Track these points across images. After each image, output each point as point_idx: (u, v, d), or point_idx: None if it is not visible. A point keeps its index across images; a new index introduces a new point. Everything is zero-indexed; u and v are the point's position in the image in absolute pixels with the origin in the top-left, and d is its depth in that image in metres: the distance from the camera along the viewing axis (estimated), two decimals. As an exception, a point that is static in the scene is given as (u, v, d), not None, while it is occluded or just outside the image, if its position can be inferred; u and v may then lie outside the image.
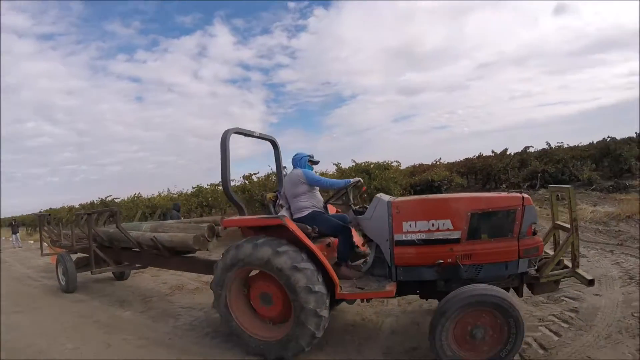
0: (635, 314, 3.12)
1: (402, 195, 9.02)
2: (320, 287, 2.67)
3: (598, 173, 12.46)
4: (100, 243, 5.32)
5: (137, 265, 5.40)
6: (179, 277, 6.13)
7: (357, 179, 3.27)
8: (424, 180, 12.11)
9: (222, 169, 3.06)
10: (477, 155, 15.84)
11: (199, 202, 11.66)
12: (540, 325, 3.15)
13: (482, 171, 14.65)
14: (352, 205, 3.26)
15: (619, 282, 3.84)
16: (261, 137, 3.72)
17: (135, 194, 13.09)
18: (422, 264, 2.73)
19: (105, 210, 5.90)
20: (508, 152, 14.04)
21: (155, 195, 12.40)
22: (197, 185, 12.62)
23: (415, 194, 10.94)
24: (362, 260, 3.28)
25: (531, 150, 14.07)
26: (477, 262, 2.66)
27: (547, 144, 14.04)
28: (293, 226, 2.77)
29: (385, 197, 2.95)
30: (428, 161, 14.94)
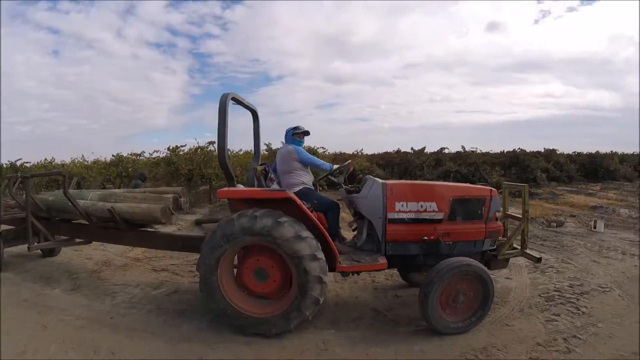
0: (542, 294, 3.80)
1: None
2: (322, 255, 2.74)
3: (506, 179, 13.30)
4: (34, 213, 4.32)
5: (78, 240, 4.52)
6: (103, 251, 5.55)
7: (349, 161, 3.41)
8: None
9: (219, 136, 2.86)
10: (396, 150, 16.92)
11: (119, 172, 10.47)
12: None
13: (400, 165, 15.59)
14: (343, 185, 3.39)
15: (526, 269, 4.66)
16: (247, 106, 3.56)
17: (47, 158, 11.19)
18: (410, 240, 3.03)
19: (52, 173, 4.91)
20: (425, 151, 15.29)
21: (68, 162, 10.70)
22: (117, 154, 11.24)
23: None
24: (352, 236, 3.44)
25: (446, 151, 15.53)
26: (454, 240, 3.07)
27: (462, 147, 15.64)
28: (298, 200, 2.79)
29: (379, 180, 3.16)
30: (349, 150, 15.21)
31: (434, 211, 3.03)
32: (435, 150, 15.48)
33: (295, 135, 3.41)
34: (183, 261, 5.04)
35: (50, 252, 5.23)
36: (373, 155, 16.62)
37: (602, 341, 2.79)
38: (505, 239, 3.42)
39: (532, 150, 16.08)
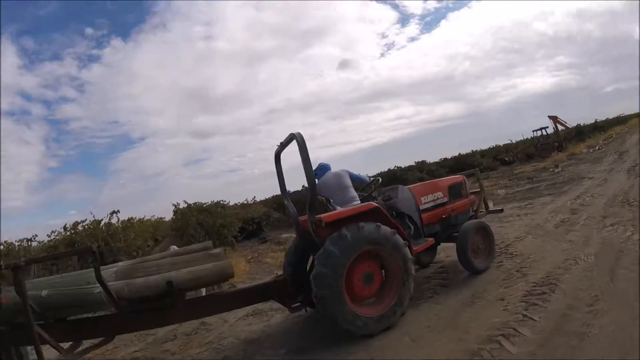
0: None
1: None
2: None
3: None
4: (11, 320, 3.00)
5: (93, 341, 3.37)
6: None
7: (378, 178, 4.55)
8: (249, 217, 11.90)
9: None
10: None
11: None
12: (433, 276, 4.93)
13: (297, 204, 16.49)
14: (376, 196, 4.52)
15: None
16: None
17: None
18: (435, 221, 4.38)
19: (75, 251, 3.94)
20: None
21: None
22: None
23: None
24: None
25: None
26: (457, 213, 4.54)
27: None
28: (382, 209, 3.64)
29: (404, 186, 4.45)
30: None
31: (441, 198, 4.49)
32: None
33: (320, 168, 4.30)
34: (145, 344, 4.36)
35: None
36: (267, 200, 16.23)
37: (540, 264, 4.24)
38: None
39: (405, 165, 19.71)
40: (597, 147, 18.76)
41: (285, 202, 4.23)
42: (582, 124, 29.18)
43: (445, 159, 22.02)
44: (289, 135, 3.70)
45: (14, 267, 2.80)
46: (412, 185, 4.52)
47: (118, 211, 9.03)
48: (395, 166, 19.66)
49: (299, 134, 3.49)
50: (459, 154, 22.74)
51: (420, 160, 20.45)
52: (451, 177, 5.03)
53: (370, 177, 4.56)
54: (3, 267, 2.92)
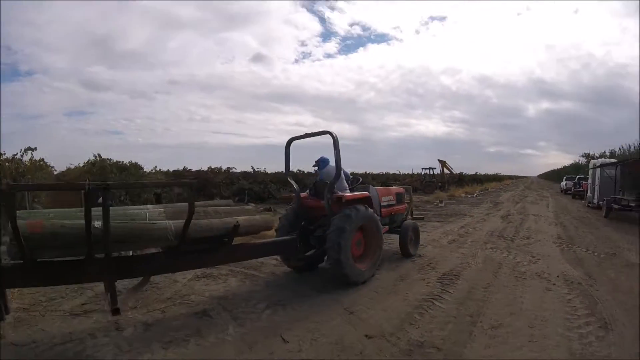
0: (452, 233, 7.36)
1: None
2: None
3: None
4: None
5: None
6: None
7: (359, 177, 5.54)
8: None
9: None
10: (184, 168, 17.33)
11: None
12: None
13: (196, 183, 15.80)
14: (352, 189, 5.44)
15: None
16: (317, 133, 4.82)
17: None
18: (387, 215, 5.60)
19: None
20: (214, 169, 16.37)
21: None
22: None
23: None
24: None
25: (234, 171, 17.36)
26: (398, 213, 5.90)
27: (252, 167, 18.29)
28: (370, 196, 4.99)
29: (372, 186, 5.53)
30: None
31: (392, 200, 5.75)
32: (224, 170, 16.95)
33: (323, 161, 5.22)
34: (88, 297, 3.99)
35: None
36: (167, 173, 15.86)
37: (443, 263, 5.76)
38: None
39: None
40: (475, 195, 23.35)
41: (290, 180, 5.16)
42: (464, 173, 35.29)
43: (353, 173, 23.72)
44: (323, 131, 4.69)
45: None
46: (377, 187, 5.70)
47: (35, 148, 8.01)
48: (298, 169, 19.09)
49: (335, 133, 4.56)
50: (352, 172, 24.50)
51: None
52: (398, 187, 6.41)
53: (351, 174, 5.60)
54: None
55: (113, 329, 3.21)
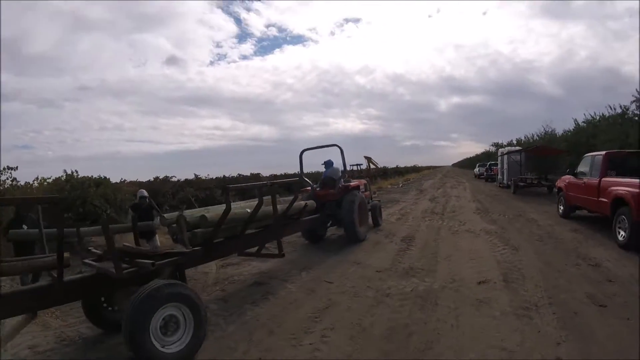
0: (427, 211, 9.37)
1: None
2: None
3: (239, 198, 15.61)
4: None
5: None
6: None
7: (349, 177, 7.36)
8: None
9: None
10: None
11: None
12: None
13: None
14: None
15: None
16: (326, 145, 7.04)
17: None
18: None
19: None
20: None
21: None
22: None
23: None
24: None
25: (174, 179, 17.13)
26: (367, 197, 7.88)
27: (195, 175, 18.08)
28: (359, 185, 7.10)
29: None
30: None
31: (363, 189, 7.63)
32: (161, 178, 17.09)
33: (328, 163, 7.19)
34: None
35: None
36: (132, 183, 15.26)
37: (399, 233, 8.01)
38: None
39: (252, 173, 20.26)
40: (400, 185, 26.65)
41: (305, 179, 7.29)
42: (387, 167, 39.09)
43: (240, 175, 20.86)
44: (332, 144, 7.01)
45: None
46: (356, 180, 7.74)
47: (16, 168, 7.93)
48: (238, 173, 20.38)
49: (340, 146, 7.04)
50: (274, 175, 22.25)
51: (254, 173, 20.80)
52: (363, 180, 8.37)
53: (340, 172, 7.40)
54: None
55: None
